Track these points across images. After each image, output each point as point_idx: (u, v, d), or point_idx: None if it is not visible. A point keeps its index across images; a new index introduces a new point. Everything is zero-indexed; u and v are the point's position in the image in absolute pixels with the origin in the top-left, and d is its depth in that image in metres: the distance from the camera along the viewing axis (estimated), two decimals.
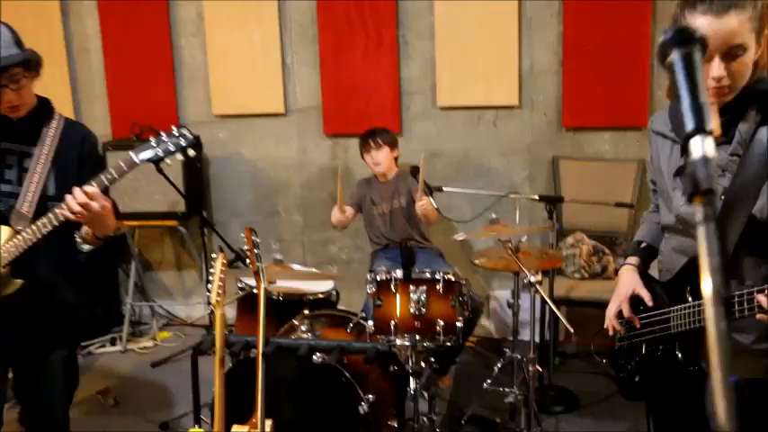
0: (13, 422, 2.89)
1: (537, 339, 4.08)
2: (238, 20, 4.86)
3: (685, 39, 0.88)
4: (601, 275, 4.25)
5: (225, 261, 2.59)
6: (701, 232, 0.75)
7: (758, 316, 1.67)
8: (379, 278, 3.09)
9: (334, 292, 3.77)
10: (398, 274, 3.05)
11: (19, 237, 2.33)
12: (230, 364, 2.98)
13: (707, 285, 0.74)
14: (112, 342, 4.90)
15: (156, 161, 2.36)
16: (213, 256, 2.63)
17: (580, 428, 3.68)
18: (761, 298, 1.64)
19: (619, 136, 4.59)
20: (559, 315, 2.86)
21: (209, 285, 2.55)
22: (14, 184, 2.41)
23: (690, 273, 1.93)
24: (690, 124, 0.81)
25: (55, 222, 2.31)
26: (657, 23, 4.37)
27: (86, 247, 4.44)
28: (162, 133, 2.38)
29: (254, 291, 2.78)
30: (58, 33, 5.09)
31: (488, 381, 3.73)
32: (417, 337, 3.02)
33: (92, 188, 2.23)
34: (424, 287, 3.02)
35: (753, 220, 1.74)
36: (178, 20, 5.01)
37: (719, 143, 1.80)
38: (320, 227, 5.06)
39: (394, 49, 4.71)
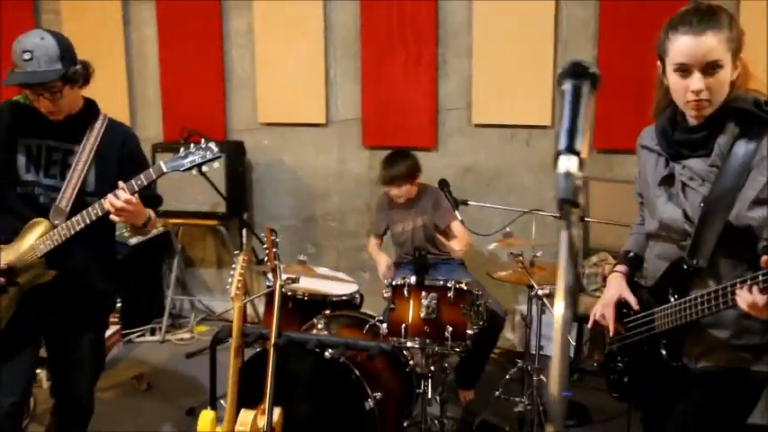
0: (47, 400, 3.13)
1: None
2: (286, 34, 5.11)
3: (578, 73, 1.04)
4: None
5: (246, 258, 2.81)
6: (561, 236, 0.91)
7: (740, 304, 1.79)
8: (394, 283, 3.26)
9: (357, 296, 3.94)
10: (412, 280, 3.21)
11: (55, 231, 2.55)
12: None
13: (559, 279, 0.90)
14: (152, 332, 5.19)
15: (183, 171, 2.59)
16: (236, 252, 2.85)
17: None
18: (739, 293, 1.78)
19: None
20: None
21: (230, 279, 2.77)
22: (57, 178, 2.61)
23: (672, 276, 2.07)
24: (562, 144, 0.97)
25: (87, 220, 2.53)
26: None
27: (133, 241, 4.74)
28: (191, 145, 2.59)
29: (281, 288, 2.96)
30: (119, 40, 5.43)
31: (500, 389, 3.85)
32: (427, 340, 3.17)
33: (125, 194, 2.47)
34: (435, 294, 3.17)
35: (729, 226, 1.90)
36: (230, 32, 5.29)
37: (701, 155, 1.96)
38: (355, 234, 5.26)
39: (432, 67, 4.89)
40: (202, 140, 2.60)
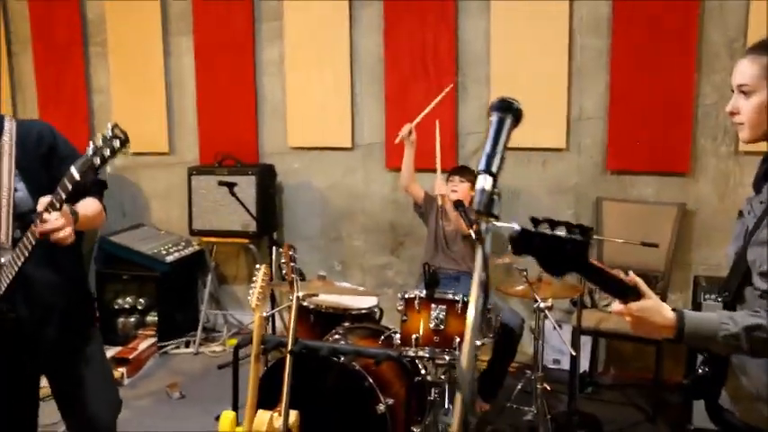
0: None
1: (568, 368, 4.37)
2: (314, 63, 5.42)
3: (503, 107, 1.28)
4: None
5: (267, 271, 3.06)
6: (478, 247, 1.14)
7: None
8: (406, 296, 3.50)
9: (377, 309, 4.16)
10: (423, 293, 3.44)
11: (2, 271, 2.35)
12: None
13: (474, 277, 1.13)
14: (187, 345, 5.49)
15: (96, 168, 2.16)
16: (257, 267, 3.10)
17: None
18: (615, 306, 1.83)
19: (662, 180, 4.82)
20: (562, 338, 3.17)
21: (251, 291, 3.01)
22: None
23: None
24: (481, 165, 1.20)
25: (26, 252, 2.31)
26: (702, 74, 4.61)
27: (170, 258, 4.92)
28: (100, 138, 2.14)
29: (302, 303, 3.17)
30: (159, 70, 5.80)
31: (512, 400, 4.04)
32: (436, 350, 3.39)
33: (49, 215, 2.20)
34: (444, 306, 3.40)
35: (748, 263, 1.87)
36: (262, 61, 5.62)
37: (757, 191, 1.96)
38: (380, 252, 5.50)
39: (452, 93, 5.13)
40: (108, 126, 2.15)
